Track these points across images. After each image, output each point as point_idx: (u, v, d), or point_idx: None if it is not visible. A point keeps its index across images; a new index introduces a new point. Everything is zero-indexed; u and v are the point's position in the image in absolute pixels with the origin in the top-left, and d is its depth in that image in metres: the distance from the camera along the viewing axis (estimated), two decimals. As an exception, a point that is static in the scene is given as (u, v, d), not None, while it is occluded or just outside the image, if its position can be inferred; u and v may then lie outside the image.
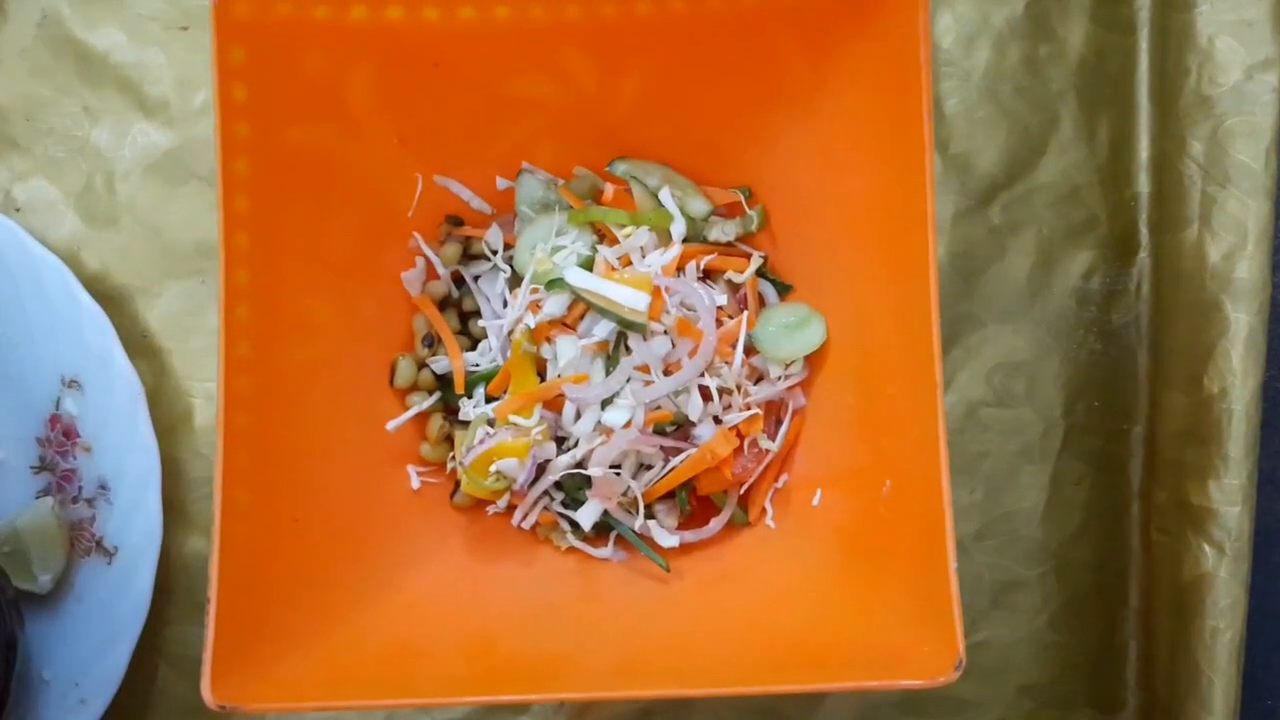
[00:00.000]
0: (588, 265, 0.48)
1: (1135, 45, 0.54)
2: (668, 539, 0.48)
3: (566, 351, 0.47)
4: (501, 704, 0.51)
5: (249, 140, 0.43)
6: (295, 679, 0.42)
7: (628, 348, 0.47)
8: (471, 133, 0.48)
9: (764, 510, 0.49)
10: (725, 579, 0.48)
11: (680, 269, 0.48)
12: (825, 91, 0.46)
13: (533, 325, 0.48)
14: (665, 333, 0.47)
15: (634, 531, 0.48)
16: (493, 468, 0.47)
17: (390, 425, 0.49)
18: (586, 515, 0.48)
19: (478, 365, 0.49)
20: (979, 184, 0.53)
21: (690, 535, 0.49)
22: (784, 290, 0.50)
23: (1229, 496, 0.49)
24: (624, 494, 0.48)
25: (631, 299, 0.46)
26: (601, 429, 0.47)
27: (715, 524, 0.49)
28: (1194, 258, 0.51)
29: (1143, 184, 0.53)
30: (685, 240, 0.49)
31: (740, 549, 0.49)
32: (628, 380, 0.47)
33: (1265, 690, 0.54)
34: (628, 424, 0.46)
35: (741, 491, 0.49)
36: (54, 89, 0.53)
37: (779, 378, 0.49)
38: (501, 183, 0.50)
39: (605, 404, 0.47)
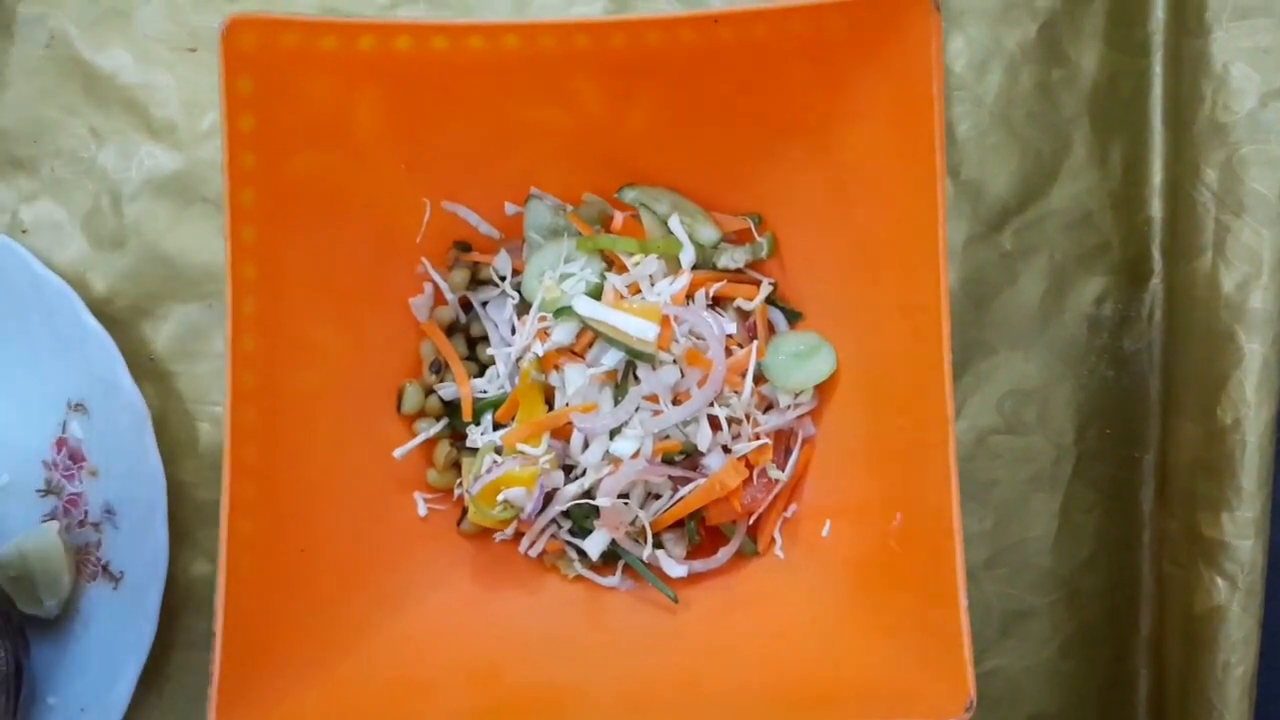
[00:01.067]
0: (596, 292, 0.48)
1: (1149, 69, 0.53)
2: (676, 569, 0.48)
3: (575, 380, 0.47)
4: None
5: (256, 170, 0.43)
6: (301, 710, 0.42)
7: (636, 377, 0.47)
8: (480, 158, 0.48)
9: (773, 540, 0.48)
10: (733, 609, 0.47)
11: (689, 297, 0.48)
12: (836, 119, 0.45)
13: (541, 353, 0.47)
14: (674, 362, 0.47)
15: (642, 561, 0.48)
16: (500, 496, 0.47)
17: (397, 452, 0.49)
18: (594, 544, 0.47)
19: (485, 392, 0.49)
20: (990, 209, 0.52)
21: (699, 565, 0.48)
22: (794, 318, 0.49)
23: (1241, 529, 0.49)
24: (632, 523, 0.47)
25: (640, 329, 0.46)
26: (610, 458, 0.47)
27: (723, 554, 0.48)
28: (1207, 287, 0.50)
29: (1155, 209, 0.53)
30: (694, 267, 0.49)
31: (749, 579, 0.48)
32: (636, 410, 0.47)
33: (1277, 725, 0.54)
34: (636, 454, 0.46)
35: (750, 521, 0.49)
36: (61, 110, 0.53)
37: (788, 407, 0.48)
38: (510, 208, 0.50)
39: (613, 433, 0.47)
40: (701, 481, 0.47)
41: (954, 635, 0.39)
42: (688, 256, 0.48)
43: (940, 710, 0.39)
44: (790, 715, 0.42)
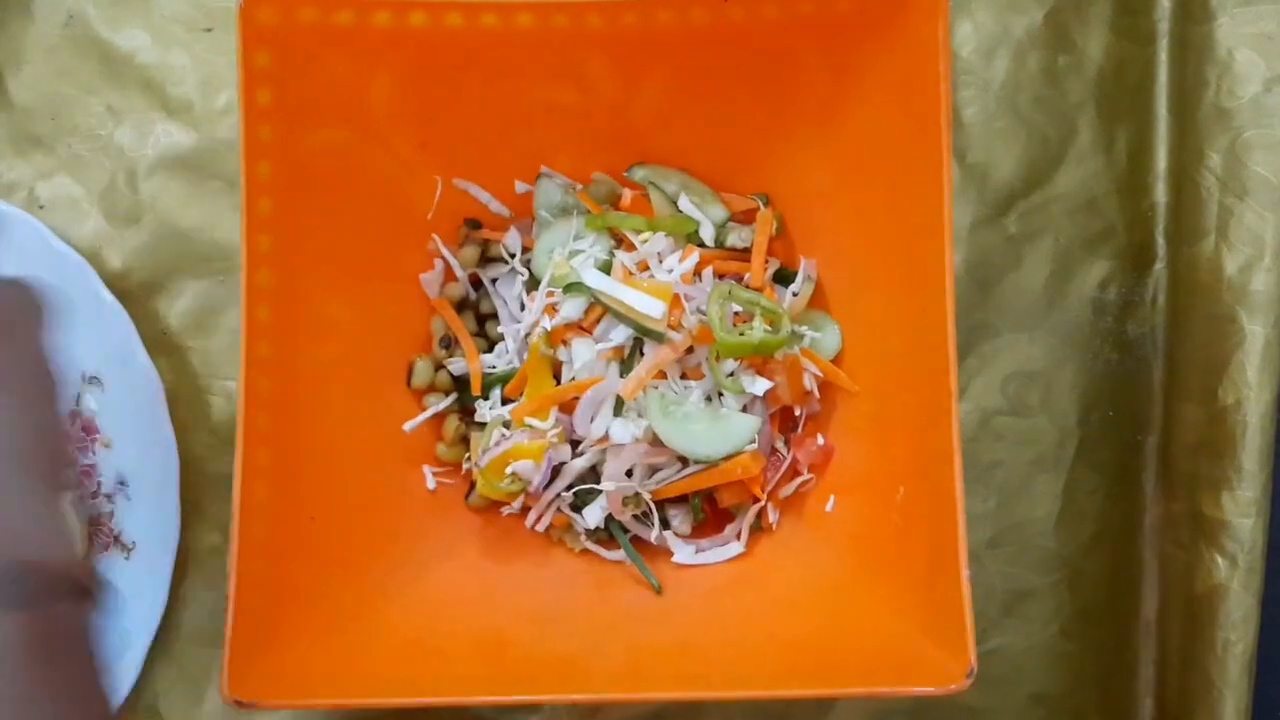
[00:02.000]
0: (605, 269, 0.48)
1: (1154, 56, 0.54)
2: (683, 551, 0.49)
3: (582, 354, 0.48)
4: (514, 704, 0.52)
5: (272, 144, 0.43)
6: (311, 675, 0.43)
7: (642, 353, 0.47)
8: (491, 137, 0.49)
9: (778, 515, 0.49)
10: (737, 582, 0.48)
11: (697, 274, 0.49)
12: (844, 101, 0.46)
13: (549, 327, 0.48)
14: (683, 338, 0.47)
15: (634, 545, 0.48)
16: (509, 469, 0.47)
17: (407, 426, 0.49)
18: (592, 515, 0.48)
19: (494, 367, 0.50)
20: (996, 193, 0.53)
21: (710, 555, 0.49)
22: (789, 278, 0.50)
23: (1242, 508, 0.49)
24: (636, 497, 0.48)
25: (648, 306, 0.46)
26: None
27: (730, 532, 0.49)
28: (1210, 269, 0.51)
29: (1160, 195, 0.53)
30: (700, 245, 0.49)
31: (753, 553, 0.49)
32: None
33: (1276, 703, 0.54)
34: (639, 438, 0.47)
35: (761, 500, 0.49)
36: (79, 88, 0.54)
37: (794, 384, 0.49)
38: (520, 186, 0.50)
39: (619, 412, 0.47)
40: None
41: (955, 605, 0.40)
42: (708, 231, 0.49)
43: (942, 678, 0.39)
44: (794, 684, 0.42)
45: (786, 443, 0.49)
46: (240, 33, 0.42)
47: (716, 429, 0.47)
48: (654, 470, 0.48)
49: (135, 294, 0.53)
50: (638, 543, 0.49)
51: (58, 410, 0.36)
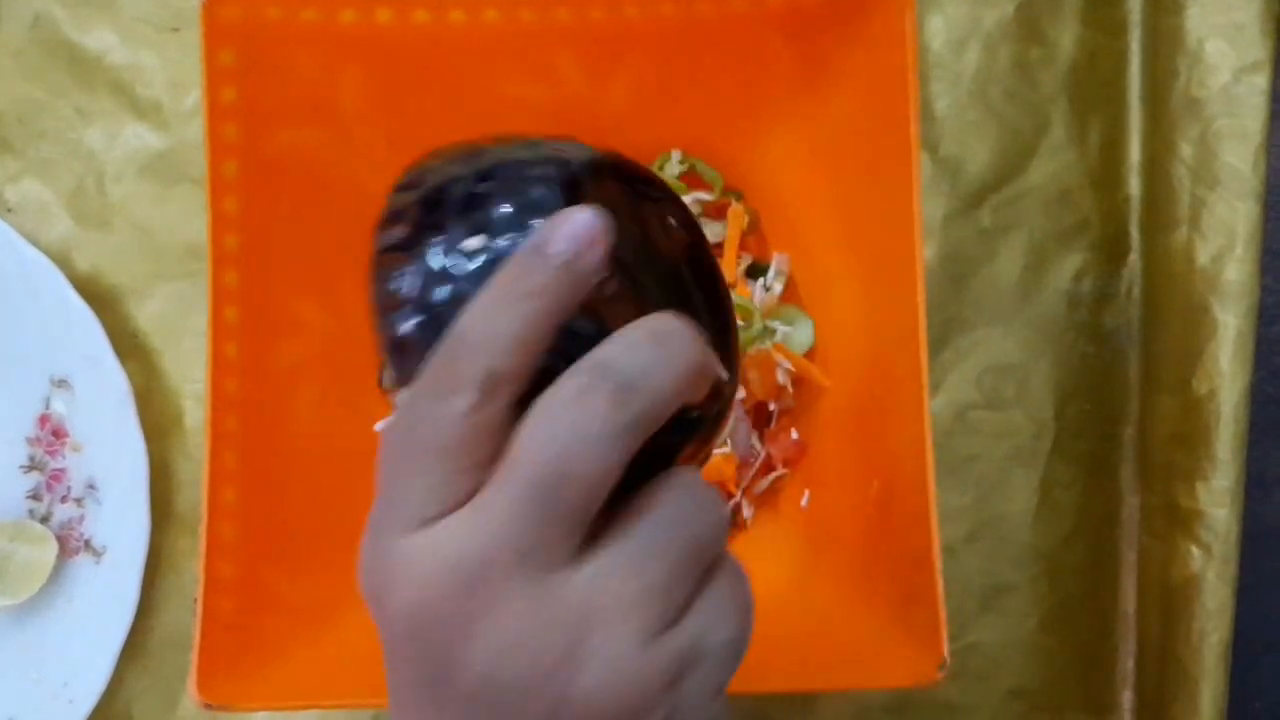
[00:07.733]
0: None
1: (1126, 48, 0.54)
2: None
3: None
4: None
5: (238, 142, 0.43)
6: (283, 678, 0.43)
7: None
8: (461, 134, 0.48)
9: (753, 511, 0.49)
10: (713, 580, 0.48)
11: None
12: (813, 94, 0.46)
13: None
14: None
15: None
16: (481, 469, 0.47)
17: (379, 426, 0.49)
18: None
19: (467, 366, 0.49)
20: (969, 186, 0.53)
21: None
22: (761, 272, 0.50)
23: (1217, 498, 0.49)
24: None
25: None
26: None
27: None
28: (1183, 260, 0.51)
29: (1133, 186, 0.53)
30: (675, 241, 0.49)
31: (730, 549, 0.49)
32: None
33: (1253, 692, 0.54)
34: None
35: (737, 498, 0.49)
36: (47, 91, 0.54)
37: (767, 379, 0.49)
38: (491, 184, 0.50)
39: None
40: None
41: (929, 598, 0.39)
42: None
43: (914, 672, 0.39)
44: (767, 681, 0.42)
45: (761, 438, 0.49)
46: (203, 30, 0.41)
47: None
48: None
49: (105, 297, 0.53)
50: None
51: None
